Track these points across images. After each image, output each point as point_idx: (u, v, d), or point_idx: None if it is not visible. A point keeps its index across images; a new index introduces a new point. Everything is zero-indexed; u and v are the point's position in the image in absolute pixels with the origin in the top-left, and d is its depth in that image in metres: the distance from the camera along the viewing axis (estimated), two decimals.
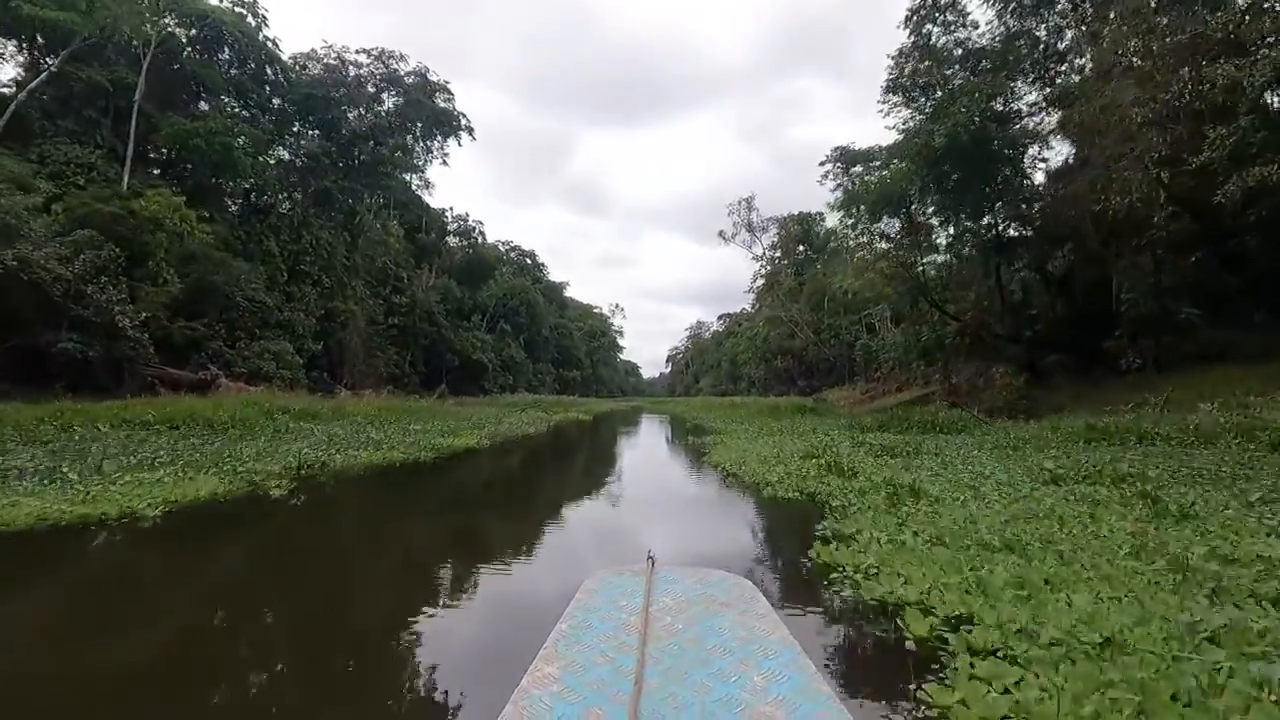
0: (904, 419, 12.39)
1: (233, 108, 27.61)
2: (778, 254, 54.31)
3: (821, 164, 37.22)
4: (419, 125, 32.41)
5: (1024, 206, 15.33)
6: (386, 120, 31.56)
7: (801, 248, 53.49)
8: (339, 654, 3.09)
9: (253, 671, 2.90)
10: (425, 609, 3.68)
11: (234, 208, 27.39)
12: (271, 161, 28.44)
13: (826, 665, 2.89)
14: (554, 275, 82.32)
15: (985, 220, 16.95)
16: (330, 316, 28.84)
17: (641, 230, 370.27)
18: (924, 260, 20.67)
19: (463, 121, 33.41)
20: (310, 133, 28.87)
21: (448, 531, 6.01)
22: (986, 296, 18.40)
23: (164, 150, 24.22)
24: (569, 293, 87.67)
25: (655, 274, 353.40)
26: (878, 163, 25.75)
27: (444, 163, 37.52)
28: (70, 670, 2.77)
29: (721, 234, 52.31)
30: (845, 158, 28.87)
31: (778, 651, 1.93)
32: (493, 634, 3.38)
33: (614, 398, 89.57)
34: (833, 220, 26.08)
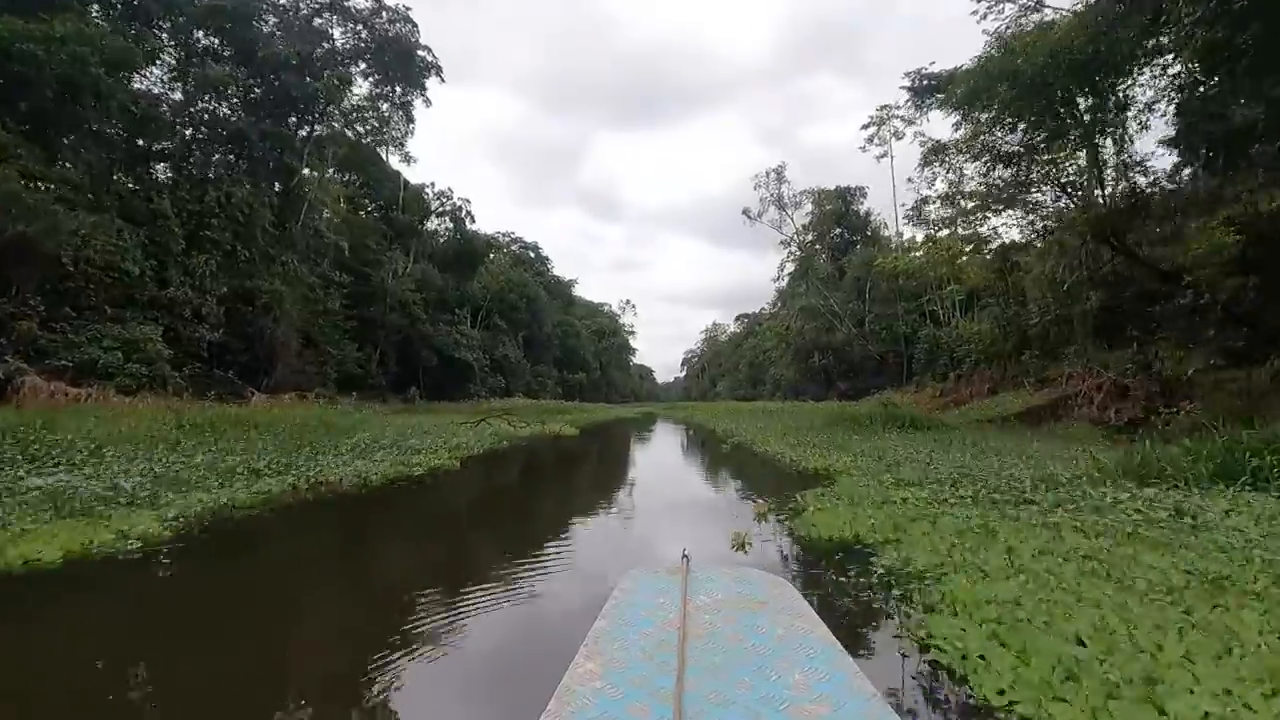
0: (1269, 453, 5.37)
1: (129, 30, 21.27)
2: (809, 237, 47.18)
3: (866, 125, 29.90)
4: (366, 59, 25.87)
5: None
6: (328, 55, 25.08)
7: (838, 229, 46.33)
8: None
9: None
10: None
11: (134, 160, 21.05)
12: (173, 94, 22.09)
13: None
14: (565, 276, 75.96)
15: None
16: (247, 299, 22.33)
17: (655, 234, 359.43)
18: (1105, 178, 13.34)
19: (429, 59, 26.87)
20: (220, 65, 22.37)
21: None
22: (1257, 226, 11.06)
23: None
24: (577, 292, 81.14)
25: (669, 278, 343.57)
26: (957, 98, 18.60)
27: (409, 118, 31.32)
28: None
29: (746, 212, 45.30)
30: (921, 86, 21.72)
31: (818, 650, 1.89)
32: None
33: (626, 403, 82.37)
34: (941, 127, 17.85)
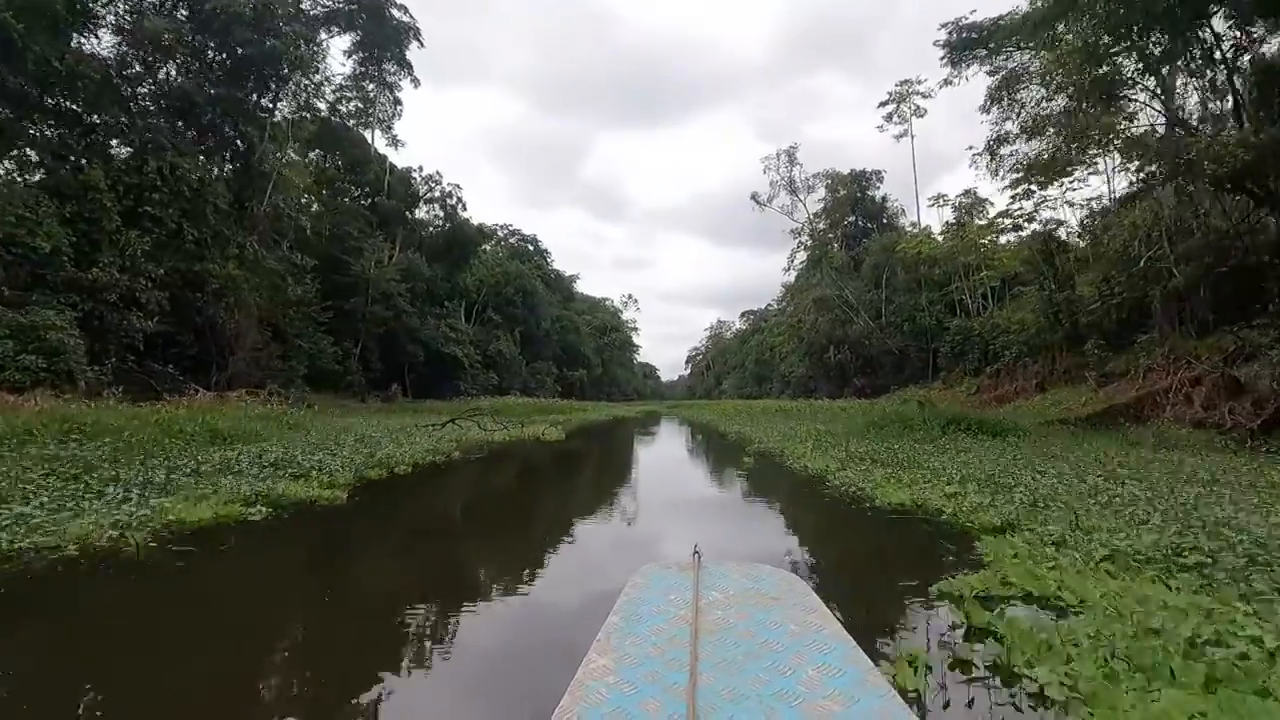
0: None
1: None
2: (823, 224, 44.47)
3: (884, 102, 27.23)
4: (339, 24, 23.33)
5: None
6: (292, 16, 22.53)
7: (853, 216, 43.59)
8: None
9: None
10: None
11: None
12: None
13: None
14: (566, 272, 73.25)
15: None
16: (196, 284, 19.83)
17: (658, 232, 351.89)
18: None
19: (404, 19, 24.30)
20: (164, 19, 19.85)
21: None
22: None
23: None
24: (578, 287, 78.49)
25: (672, 277, 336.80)
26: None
27: (396, 98, 28.85)
28: None
29: (755, 197, 42.65)
30: (959, 40, 18.94)
31: (831, 645, 1.86)
32: None
33: (629, 401, 79.76)
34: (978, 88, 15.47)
